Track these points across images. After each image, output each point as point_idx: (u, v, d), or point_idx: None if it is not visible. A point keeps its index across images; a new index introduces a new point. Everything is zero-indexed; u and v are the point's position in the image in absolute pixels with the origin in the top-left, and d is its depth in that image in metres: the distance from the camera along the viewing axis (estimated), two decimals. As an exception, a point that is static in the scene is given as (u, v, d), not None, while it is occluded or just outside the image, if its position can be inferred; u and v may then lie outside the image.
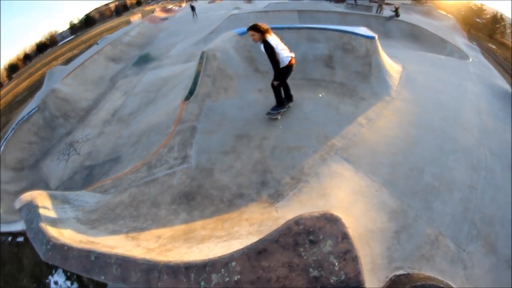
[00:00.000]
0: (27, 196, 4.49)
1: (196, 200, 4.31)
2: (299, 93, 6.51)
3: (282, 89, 5.78)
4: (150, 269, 2.59)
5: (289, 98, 6.02)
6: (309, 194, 4.04)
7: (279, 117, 5.74)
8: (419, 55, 11.70)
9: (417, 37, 17.16)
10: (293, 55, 5.30)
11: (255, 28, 4.94)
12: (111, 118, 9.68)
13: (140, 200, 4.46)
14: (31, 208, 4.10)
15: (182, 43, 16.92)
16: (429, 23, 20.05)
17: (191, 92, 6.55)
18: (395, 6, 19.37)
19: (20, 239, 8.04)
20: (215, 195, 4.33)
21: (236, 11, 18.93)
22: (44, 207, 4.11)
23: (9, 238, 8.53)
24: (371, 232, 3.48)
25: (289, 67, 5.28)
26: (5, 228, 8.49)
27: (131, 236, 3.52)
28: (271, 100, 5.93)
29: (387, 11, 20.59)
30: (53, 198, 4.49)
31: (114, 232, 3.65)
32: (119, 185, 4.98)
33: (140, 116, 8.70)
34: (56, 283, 6.21)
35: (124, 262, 2.76)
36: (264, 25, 4.98)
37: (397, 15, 18.80)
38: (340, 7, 24.21)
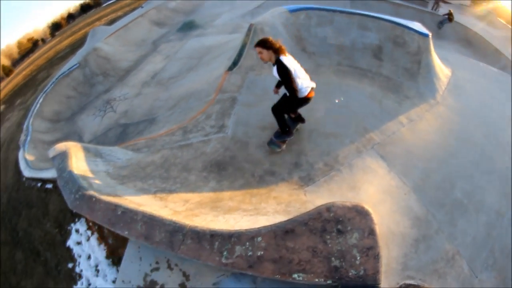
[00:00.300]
0: (61, 146, 4.54)
1: (227, 170, 4.28)
2: (344, 80, 6.31)
3: (284, 116, 4.55)
4: (176, 231, 2.57)
5: (298, 119, 4.87)
6: (340, 184, 4.02)
7: (284, 147, 4.58)
8: (470, 62, 10.95)
9: (470, 42, 16.13)
10: (313, 85, 4.21)
11: (263, 44, 3.81)
12: (150, 80, 9.73)
13: (172, 162, 4.43)
14: (64, 158, 4.14)
15: (228, 13, 16.60)
16: (486, 30, 18.67)
17: (235, 63, 6.40)
18: (449, 10, 17.81)
19: (49, 185, 8.31)
20: (247, 169, 4.29)
21: None
22: (77, 158, 4.15)
23: (39, 184, 8.86)
24: (392, 234, 3.47)
25: (307, 100, 4.18)
26: (36, 174, 8.84)
27: (159, 197, 3.49)
28: (317, 82, 5.70)
29: (444, 9, 19.27)
30: (86, 150, 4.53)
31: (143, 191, 3.64)
32: (152, 146, 4.95)
33: (180, 81, 8.69)
34: (77, 231, 6.36)
35: (150, 221, 2.73)
36: (277, 42, 3.85)
37: (450, 19, 17.35)
38: None
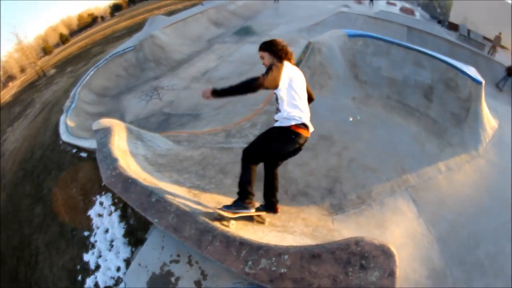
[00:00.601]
0: (106, 121, 4.69)
1: (262, 182, 4.21)
2: (391, 115, 6.23)
3: (252, 170, 2.97)
4: (207, 230, 2.61)
5: (268, 201, 3.17)
6: (369, 219, 4.00)
7: (233, 220, 2.87)
8: (521, 118, 10.35)
9: (526, 96, 15.22)
10: (307, 123, 2.83)
11: (268, 46, 2.94)
12: (200, 77, 9.97)
13: (210, 162, 4.47)
14: (107, 134, 4.27)
15: (285, 25, 16.74)
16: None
17: (287, 77, 6.38)
18: (508, 67, 16.79)
19: (83, 154, 8.58)
20: (282, 185, 4.14)
21: (345, 9, 18.21)
22: (119, 137, 4.26)
23: (74, 150, 9.19)
24: (407, 280, 3.39)
25: (291, 135, 2.72)
26: (74, 141, 9.19)
27: (193, 193, 3.52)
28: (365, 113, 5.60)
29: (501, 56, 18.39)
30: (129, 131, 4.65)
31: (178, 183, 3.68)
32: (194, 141, 5.02)
33: (230, 83, 8.61)
34: (101, 203, 6.50)
35: (183, 215, 2.77)
36: (283, 46, 2.90)
37: (509, 74, 16.43)
38: (451, 36, 22.28)
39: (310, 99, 3.16)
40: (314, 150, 4.92)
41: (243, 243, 2.47)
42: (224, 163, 4.49)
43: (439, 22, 37.96)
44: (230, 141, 5.03)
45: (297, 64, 6.56)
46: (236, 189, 2.94)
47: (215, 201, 3.41)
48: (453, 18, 31.25)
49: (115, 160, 3.57)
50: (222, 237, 2.53)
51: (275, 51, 2.85)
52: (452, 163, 5.41)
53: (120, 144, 4.08)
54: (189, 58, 12.63)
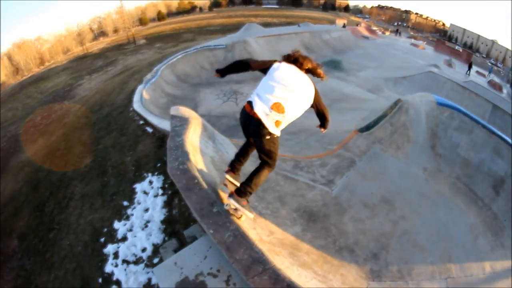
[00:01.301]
0: (185, 110, 4.79)
1: (315, 224, 4.16)
2: (455, 197, 5.86)
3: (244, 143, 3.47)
4: (259, 261, 2.53)
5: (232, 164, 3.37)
6: None
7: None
8: None
9: None
10: (252, 100, 2.85)
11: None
12: None
13: (271, 187, 4.44)
14: (184, 123, 4.35)
15: (373, 70, 16.64)
16: None
17: (367, 128, 6.27)
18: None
19: (149, 129, 8.96)
20: (333, 233, 4.16)
21: (435, 70, 17.39)
22: (194, 131, 4.30)
23: (141, 121, 9.62)
24: None
25: (242, 116, 3.00)
26: (144, 113, 9.60)
27: None
28: (431, 186, 5.60)
29: None
30: (204, 128, 4.73)
31: None
32: (261, 160, 5.01)
33: (308, 112, 8.59)
34: (150, 182, 6.70)
35: (241, 238, 2.70)
36: (299, 54, 2.98)
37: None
38: None
39: (322, 114, 3.26)
40: (373, 211, 4.76)
41: (290, 286, 2.39)
42: (284, 192, 4.44)
43: (526, 103, 35.34)
44: (296, 172, 4.97)
45: (381, 118, 6.46)
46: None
47: (268, 229, 3.35)
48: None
49: (186, 153, 3.62)
50: (272, 273, 2.45)
51: (283, 56, 3.03)
52: (499, 266, 4.96)
53: (193, 139, 4.15)
54: (273, 75, 12.75)
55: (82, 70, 35.89)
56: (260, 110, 2.75)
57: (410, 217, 4.96)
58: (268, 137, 2.83)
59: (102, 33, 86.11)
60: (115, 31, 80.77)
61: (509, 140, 6.64)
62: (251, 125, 2.85)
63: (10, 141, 17.46)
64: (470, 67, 31.04)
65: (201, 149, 4.19)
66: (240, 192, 2.88)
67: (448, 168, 6.45)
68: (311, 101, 3.01)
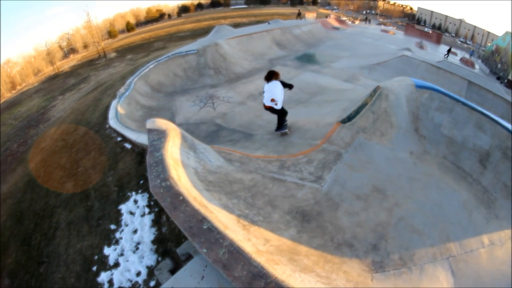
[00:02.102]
0: (162, 123, 4.59)
1: (310, 224, 4.07)
2: (444, 177, 5.94)
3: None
4: (260, 276, 2.42)
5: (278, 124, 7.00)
6: (406, 283, 3.87)
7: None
8: None
9: None
10: (264, 102, 6.51)
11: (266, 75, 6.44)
12: (257, 95, 9.94)
13: (260, 191, 4.29)
14: (161, 137, 4.17)
15: (347, 59, 16.70)
16: None
17: (349, 118, 6.21)
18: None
19: (127, 145, 8.65)
20: (329, 230, 4.09)
21: (408, 53, 17.58)
22: (173, 144, 4.16)
23: (118, 138, 9.27)
24: None
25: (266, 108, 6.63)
26: (121, 129, 9.25)
27: (242, 223, 3.34)
28: (420, 170, 5.75)
29: None
30: (183, 138, 4.55)
31: (227, 208, 3.51)
32: (246, 164, 4.89)
33: (287, 109, 8.65)
34: (135, 201, 6.44)
35: (237, 253, 2.57)
36: (272, 73, 6.37)
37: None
38: (509, 94, 21.15)
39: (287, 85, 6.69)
40: (366, 201, 4.72)
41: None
42: (273, 195, 4.31)
43: (498, 78, 36.63)
44: (283, 173, 4.87)
45: (362, 106, 6.46)
46: None
47: (263, 237, 3.21)
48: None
49: (167, 169, 3.45)
50: (275, 286, 2.35)
51: (265, 77, 6.41)
52: (495, 237, 5.10)
53: (173, 152, 3.98)
54: (249, 74, 12.70)
55: (55, 90, 34.88)
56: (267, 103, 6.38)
57: (404, 202, 4.98)
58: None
59: (72, 50, 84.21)
60: (85, 46, 79.17)
61: (489, 114, 6.75)
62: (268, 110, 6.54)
63: (-13, 174, 16.71)
64: (449, 51, 31.71)
65: (182, 161, 4.01)
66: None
67: (434, 148, 6.54)
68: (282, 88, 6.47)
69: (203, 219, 2.80)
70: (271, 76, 6.27)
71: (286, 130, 6.79)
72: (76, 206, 7.70)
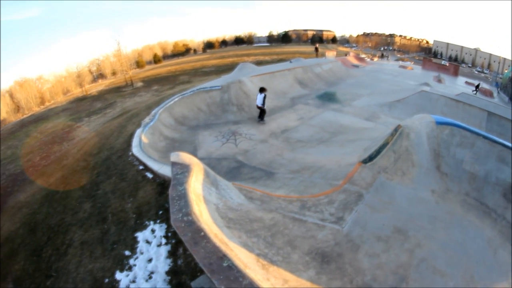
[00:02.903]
0: (186, 157, 4.68)
1: (330, 266, 3.97)
2: (468, 214, 5.71)
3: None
4: None
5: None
6: None
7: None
8: None
9: None
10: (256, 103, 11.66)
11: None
12: (279, 134, 10.17)
13: (280, 230, 4.27)
14: (185, 171, 4.23)
15: (367, 97, 16.84)
16: None
17: (370, 158, 6.19)
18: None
19: (149, 174, 8.81)
20: (348, 273, 3.96)
21: (427, 88, 17.61)
22: (196, 179, 4.20)
23: (140, 167, 9.44)
24: None
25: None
26: (143, 158, 9.46)
27: (261, 263, 3.30)
28: (442, 207, 5.61)
29: None
30: (206, 174, 4.61)
31: (246, 247, 3.49)
32: (267, 202, 4.91)
33: (309, 149, 8.92)
34: (153, 231, 6.46)
35: None
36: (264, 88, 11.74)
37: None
38: None
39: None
40: (387, 243, 4.59)
41: None
42: (294, 236, 4.27)
43: (519, 105, 35.52)
44: (304, 213, 4.84)
45: (383, 146, 6.45)
46: None
47: (282, 277, 3.16)
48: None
49: (189, 204, 3.49)
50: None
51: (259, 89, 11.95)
52: None
53: (196, 187, 4.03)
54: (271, 112, 12.93)
55: (81, 111, 36.44)
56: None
57: (426, 243, 4.81)
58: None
59: (101, 75, 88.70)
60: (113, 73, 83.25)
61: (511, 145, 6.59)
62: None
63: (8, 180, 17.38)
64: (477, 87, 31.28)
65: (204, 197, 4.06)
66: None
67: (456, 186, 6.33)
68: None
69: (223, 257, 2.80)
70: (261, 91, 11.61)
71: (264, 121, 11.59)
72: (91, 227, 7.75)
